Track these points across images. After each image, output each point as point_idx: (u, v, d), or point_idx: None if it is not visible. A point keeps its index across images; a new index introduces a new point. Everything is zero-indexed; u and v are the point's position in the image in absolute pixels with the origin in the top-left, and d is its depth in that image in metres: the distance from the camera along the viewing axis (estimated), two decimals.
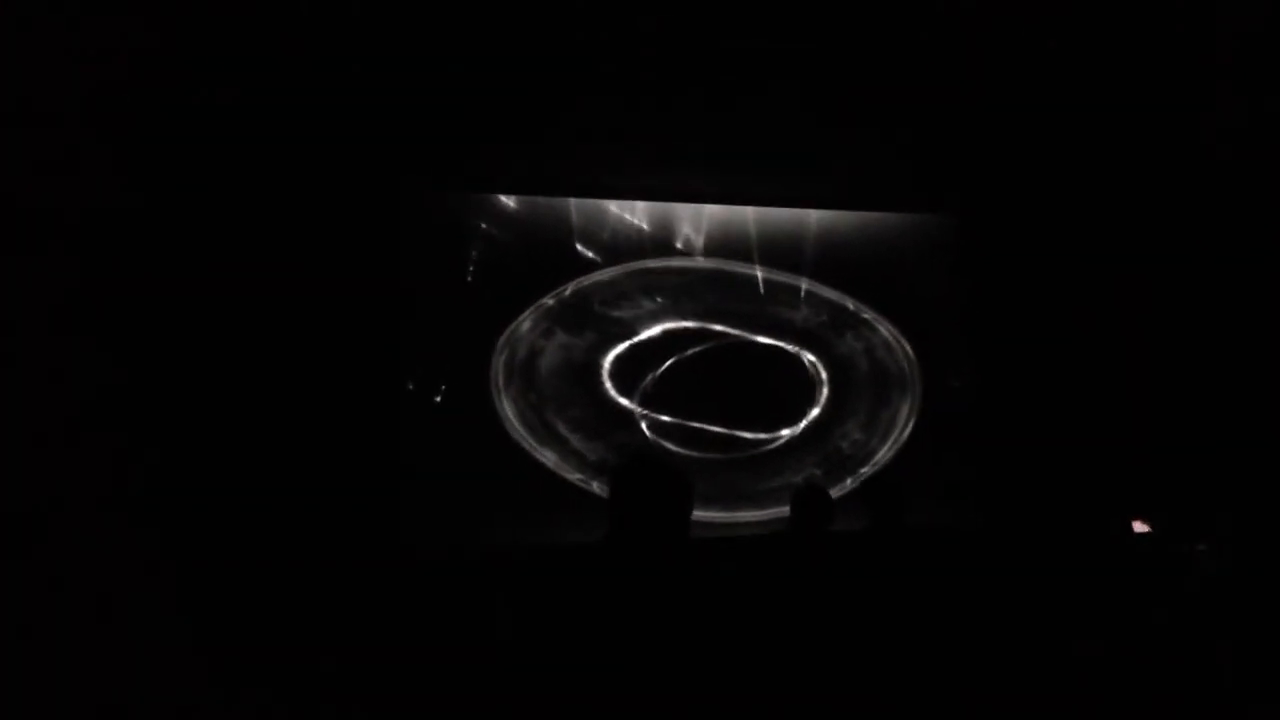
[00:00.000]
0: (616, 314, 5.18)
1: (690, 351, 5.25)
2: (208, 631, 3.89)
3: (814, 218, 5.51)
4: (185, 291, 4.26)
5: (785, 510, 5.01)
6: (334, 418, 4.55)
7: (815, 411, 5.38)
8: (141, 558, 3.87)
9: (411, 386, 4.84)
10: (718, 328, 5.31)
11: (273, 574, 4.24)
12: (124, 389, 4.09)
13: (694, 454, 5.15)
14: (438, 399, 4.86)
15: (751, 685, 2.34)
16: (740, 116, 5.00)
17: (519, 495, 4.86)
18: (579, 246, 5.18)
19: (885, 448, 5.45)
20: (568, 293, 5.12)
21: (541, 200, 5.15)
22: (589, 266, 5.18)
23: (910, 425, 5.50)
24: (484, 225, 5.06)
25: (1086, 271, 5.57)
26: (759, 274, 5.41)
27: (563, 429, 5.03)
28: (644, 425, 5.12)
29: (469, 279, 4.99)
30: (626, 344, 5.17)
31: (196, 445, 4.24)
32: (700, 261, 5.35)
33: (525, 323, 5.05)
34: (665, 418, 5.16)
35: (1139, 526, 4.59)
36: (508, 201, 5.11)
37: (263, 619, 4.10)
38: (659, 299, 5.25)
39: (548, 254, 5.12)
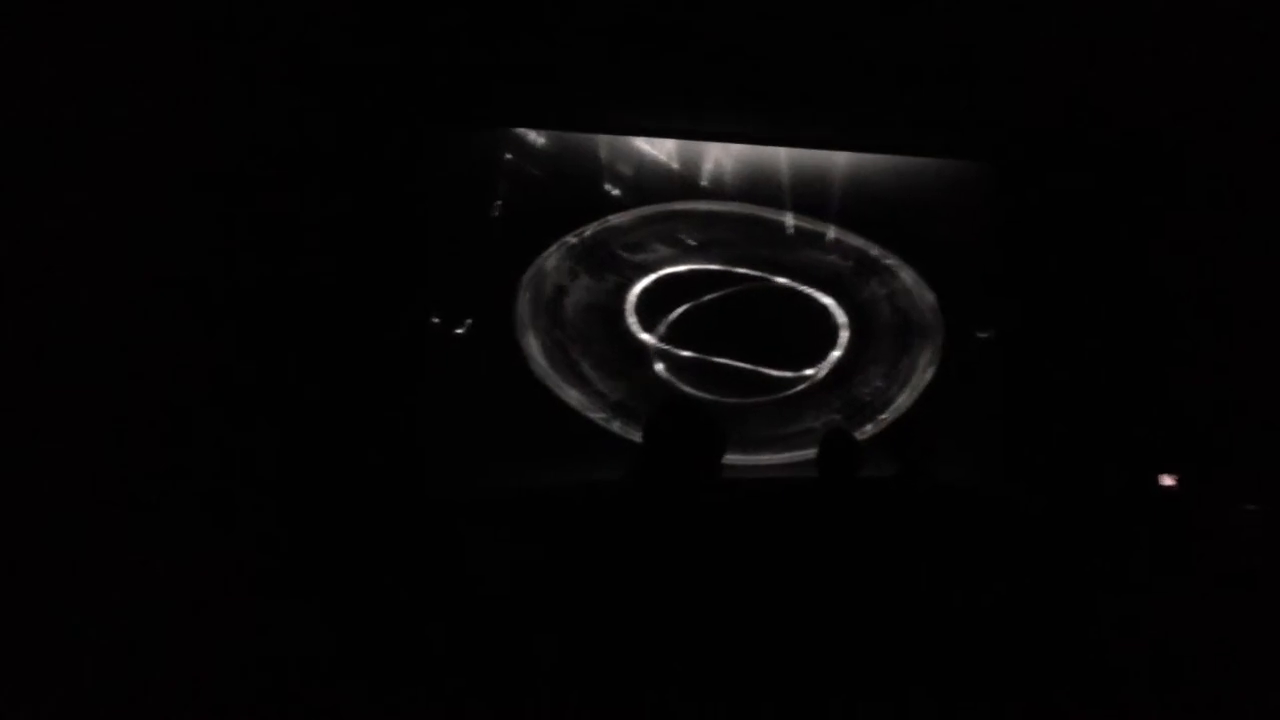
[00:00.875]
0: (640, 256, 5.15)
1: (712, 295, 5.23)
2: (234, 568, 3.90)
3: (842, 161, 5.42)
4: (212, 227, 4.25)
5: (805, 455, 5.10)
6: (359, 351, 4.55)
7: (836, 354, 5.37)
8: (166, 489, 3.87)
9: (437, 320, 4.84)
10: (741, 270, 5.28)
11: (297, 509, 4.28)
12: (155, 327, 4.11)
13: (711, 397, 5.16)
14: (459, 331, 4.85)
15: (776, 628, 2.37)
16: (771, 57, 4.86)
17: (542, 432, 4.89)
18: (606, 185, 5.12)
19: (904, 394, 5.45)
20: (588, 233, 5.08)
21: (571, 136, 5.08)
22: (616, 204, 5.13)
23: (930, 372, 5.49)
24: (511, 158, 5.00)
25: (1116, 224, 5.49)
26: (788, 220, 5.36)
27: (585, 367, 5.05)
28: (661, 365, 5.13)
29: (496, 214, 4.95)
30: (650, 279, 5.15)
31: (221, 379, 4.22)
32: (726, 205, 5.30)
33: (550, 260, 5.03)
34: (686, 352, 5.16)
35: (1166, 480, 4.58)
36: (537, 137, 5.05)
37: (288, 555, 4.12)
38: (684, 240, 5.21)
39: (575, 191, 5.07)
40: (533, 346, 4.97)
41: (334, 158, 4.54)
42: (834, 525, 2.84)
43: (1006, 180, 5.60)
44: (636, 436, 4.97)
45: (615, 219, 5.12)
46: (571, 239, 5.06)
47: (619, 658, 1.85)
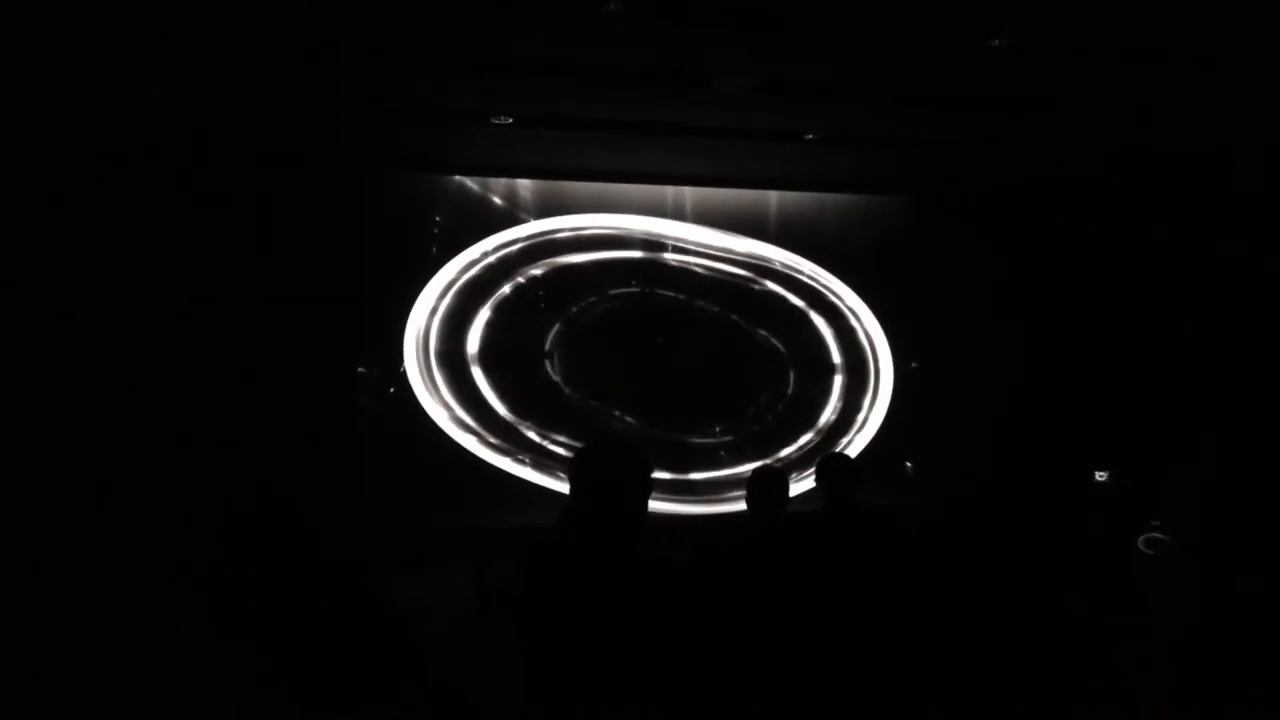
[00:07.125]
0: (558, 303, 5.14)
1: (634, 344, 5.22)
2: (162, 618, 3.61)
3: (774, 198, 5.41)
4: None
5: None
6: (284, 402, 4.51)
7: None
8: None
9: (362, 370, 4.80)
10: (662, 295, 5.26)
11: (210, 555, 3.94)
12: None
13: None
14: (391, 390, 4.83)
15: (713, 661, 2.26)
16: (698, 98, 4.84)
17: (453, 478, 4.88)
18: (533, 222, 5.12)
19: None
20: (493, 258, 5.06)
21: (496, 181, 5.13)
22: (542, 251, 5.14)
23: (871, 412, 5.39)
24: (438, 217, 5.00)
25: (1041, 254, 5.48)
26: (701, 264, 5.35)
27: (494, 404, 5.01)
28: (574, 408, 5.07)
29: (423, 260, 4.96)
30: (566, 335, 5.12)
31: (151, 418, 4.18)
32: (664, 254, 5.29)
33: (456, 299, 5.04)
34: (593, 402, 5.11)
35: (1099, 475, 4.60)
36: (463, 181, 5.08)
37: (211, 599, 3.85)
38: (607, 291, 5.19)
39: (493, 232, 5.08)
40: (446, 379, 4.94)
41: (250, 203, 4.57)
42: (768, 555, 2.75)
43: (927, 212, 5.55)
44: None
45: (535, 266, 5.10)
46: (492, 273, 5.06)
47: (562, 697, 1.84)
